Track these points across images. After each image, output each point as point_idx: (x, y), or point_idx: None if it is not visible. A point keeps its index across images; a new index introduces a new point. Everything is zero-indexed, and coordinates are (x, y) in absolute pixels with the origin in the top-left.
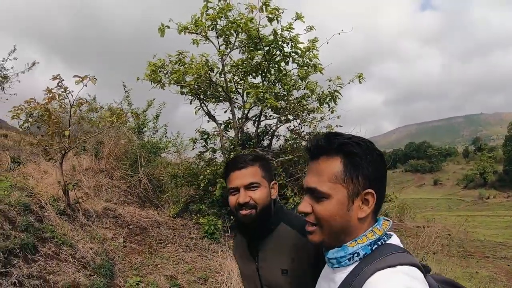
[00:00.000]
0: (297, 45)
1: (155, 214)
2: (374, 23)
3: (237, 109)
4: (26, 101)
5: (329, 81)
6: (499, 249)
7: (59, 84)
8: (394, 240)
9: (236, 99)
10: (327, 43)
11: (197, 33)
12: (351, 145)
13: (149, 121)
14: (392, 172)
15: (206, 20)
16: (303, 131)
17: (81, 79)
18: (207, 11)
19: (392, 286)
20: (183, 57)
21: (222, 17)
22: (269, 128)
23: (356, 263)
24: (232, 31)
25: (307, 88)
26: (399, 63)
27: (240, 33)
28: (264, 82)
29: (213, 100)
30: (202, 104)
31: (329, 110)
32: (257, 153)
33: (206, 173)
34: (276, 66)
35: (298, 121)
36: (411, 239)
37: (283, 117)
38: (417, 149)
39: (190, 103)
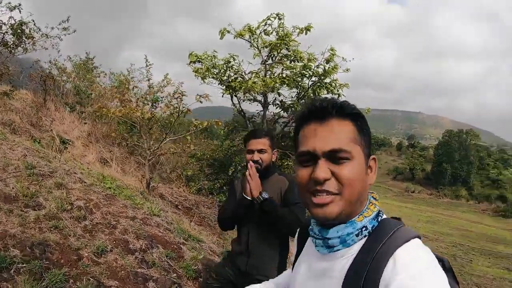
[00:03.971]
0: (334, 81)
1: (181, 191)
2: (337, 2)
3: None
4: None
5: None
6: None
7: (179, 97)
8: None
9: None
10: (346, 71)
11: (248, 41)
12: (358, 111)
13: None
14: None
15: (260, 33)
16: None
17: (199, 97)
18: (264, 25)
19: (423, 263)
20: (233, 59)
21: (275, 35)
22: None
23: (363, 240)
24: (278, 47)
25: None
26: (354, 47)
27: (284, 49)
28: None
29: (247, 99)
30: (233, 99)
31: None
32: (269, 130)
33: (235, 160)
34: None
35: None
36: None
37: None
38: None
39: (222, 96)
